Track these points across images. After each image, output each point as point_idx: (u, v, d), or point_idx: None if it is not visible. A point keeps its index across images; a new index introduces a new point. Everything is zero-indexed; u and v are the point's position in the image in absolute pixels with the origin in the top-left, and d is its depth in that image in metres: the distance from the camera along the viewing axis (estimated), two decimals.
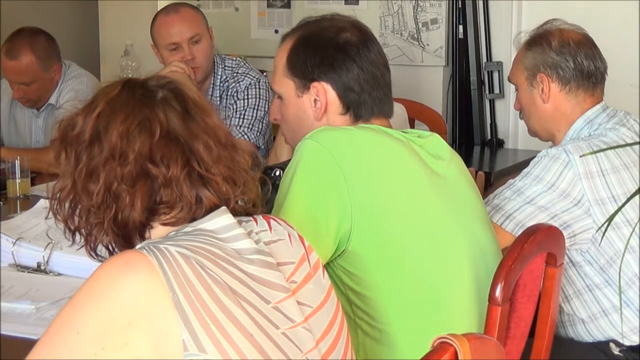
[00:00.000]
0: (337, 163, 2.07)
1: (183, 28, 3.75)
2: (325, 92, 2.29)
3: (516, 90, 2.95)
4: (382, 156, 2.16)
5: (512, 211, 2.64)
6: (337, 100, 2.30)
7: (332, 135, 2.14)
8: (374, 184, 2.10)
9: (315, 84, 2.30)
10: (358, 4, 4.98)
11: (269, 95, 3.79)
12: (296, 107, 2.34)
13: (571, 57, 2.84)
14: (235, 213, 1.68)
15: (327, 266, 2.08)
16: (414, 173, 2.18)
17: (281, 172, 2.30)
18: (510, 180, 2.74)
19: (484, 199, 2.65)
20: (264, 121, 3.82)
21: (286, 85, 2.34)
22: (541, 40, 2.88)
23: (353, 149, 2.13)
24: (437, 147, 2.30)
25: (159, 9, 4.33)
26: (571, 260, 2.74)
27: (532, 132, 2.98)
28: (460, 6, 4.83)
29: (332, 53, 2.29)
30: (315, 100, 2.30)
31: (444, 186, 2.23)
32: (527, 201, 2.64)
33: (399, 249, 2.10)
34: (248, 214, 1.74)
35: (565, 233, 2.58)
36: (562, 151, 2.66)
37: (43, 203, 2.85)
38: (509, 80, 3.00)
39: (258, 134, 3.79)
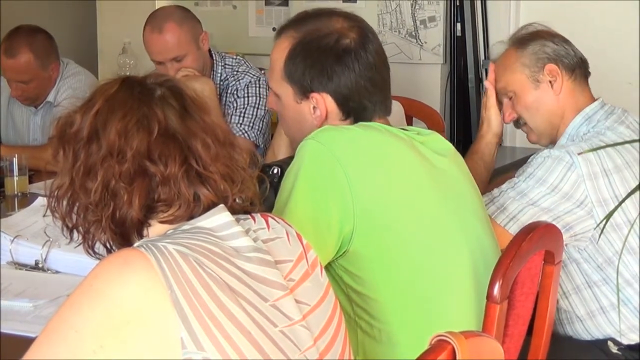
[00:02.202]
0: (339, 164, 2.07)
1: (164, 49, 3.73)
2: (324, 101, 2.28)
3: (510, 98, 2.92)
4: (384, 155, 2.15)
5: (516, 212, 2.64)
6: (336, 108, 2.28)
7: (334, 135, 2.14)
8: (375, 183, 2.10)
9: (314, 94, 2.28)
10: (356, 2, 4.98)
11: (268, 93, 3.79)
12: (295, 111, 2.33)
13: (569, 47, 2.86)
14: (233, 211, 1.68)
15: (329, 266, 2.08)
16: (416, 171, 2.18)
17: (279, 170, 2.30)
18: (514, 179, 2.73)
19: (484, 194, 2.65)
20: (265, 120, 3.82)
21: (284, 89, 2.32)
22: (533, 37, 2.88)
23: (355, 149, 2.13)
24: (439, 145, 2.30)
25: (156, 7, 4.33)
26: (570, 257, 2.74)
27: (536, 136, 2.94)
28: (458, 4, 4.83)
29: (331, 64, 2.26)
30: (314, 108, 2.29)
31: (445, 184, 2.23)
32: (530, 203, 2.64)
33: (401, 249, 2.10)
34: (246, 212, 1.74)
35: (567, 234, 2.59)
36: (565, 153, 2.65)
37: (41, 201, 2.84)
38: (501, 92, 2.94)
39: (258, 132, 3.78)
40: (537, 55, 2.85)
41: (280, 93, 2.34)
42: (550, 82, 2.84)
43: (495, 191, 2.74)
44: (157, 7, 4.29)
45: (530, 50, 2.86)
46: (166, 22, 3.75)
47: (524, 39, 2.89)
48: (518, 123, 2.98)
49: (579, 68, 2.86)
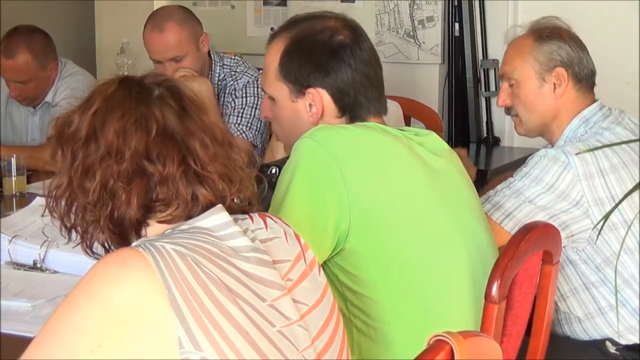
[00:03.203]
0: (335, 162, 2.07)
1: (164, 49, 3.73)
2: (320, 97, 2.28)
3: (511, 84, 2.90)
4: (380, 154, 2.16)
5: (512, 210, 2.64)
6: (332, 104, 2.28)
7: (330, 133, 2.14)
8: (372, 182, 2.10)
9: (310, 90, 2.28)
10: (354, 2, 4.98)
11: (262, 101, 3.79)
12: (290, 111, 2.33)
13: (584, 56, 2.84)
14: (231, 211, 1.68)
15: (324, 264, 2.08)
16: (412, 170, 2.18)
17: (277, 169, 2.30)
18: (510, 179, 2.73)
19: (481, 195, 2.65)
20: (262, 120, 3.81)
21: (279, 89, 2.32)
22: (554, 34, 2.85)
23: (351, 147, 2.13)
24: (436, 145, 2.30)
25: (155, 8, 4.33)
26: (567, 258, 2.74)
27: (526, 129, 2.93)
28: (456, 4, 4.83)
29: (326, 58, 2.27)
30: (310, 105, 2.29)
31: (442, 183, 2.23)
32: (526, 201, 2.64)
33: (397, 247, 2.10)
34: (244, 212, 1.74)
35: (564, 233, 2.58)
36: (561, 152, 2.65)
37: (39, 201, 2.84)
38: (504, 73, 2.92)
39: (256, 132, 3.79)
40: (551, 54, 2.82)
41: (275, 94, 2.34)
42: (554, 84, 2.83)
43: (491, 192, 2.74)
44: (155, 7, 4.29)
45: (546, 47, 2.83)
46: (167, 21, 3.75)
47: (544, 33, 2.85)
48: (509, 111, 2.95)
49: (586, 79, 2.85)
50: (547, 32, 2.86)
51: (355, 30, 2.32)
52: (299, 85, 2.28)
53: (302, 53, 2.28)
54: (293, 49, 2.29)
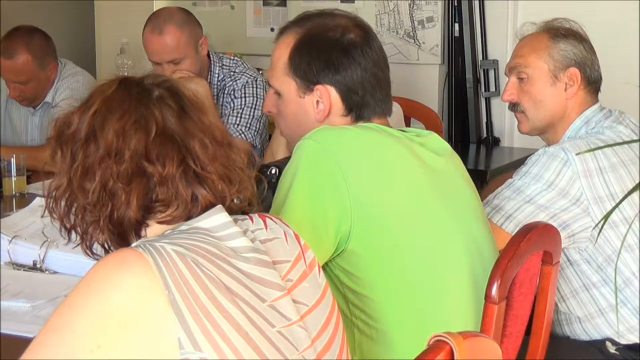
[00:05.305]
0: (336, 163, 2.06)
1: (162, 51, 3.73)
2: (329, 94, 2.27)
3: (520, 78, 2.89)
4: (381, 155, 2.15)
5: (512, 211, 2.63)
6: (340, 102, 2.28)
7: (331, 135, 2.13)
8: (373, 184, 2.10)
9: (319, 86, 2.27)
10: (354, 2, 4.98)
11: (265, 94, 3.79)
12: (297, 106, 2.32)
13: (595, 60, 2.85)
14: (230, 211, 1.68)
15: (326, 265, 2.08)
16: (413, 172, 2.17)
17: (277, 170, 2.30)
18: (509, 180, 2.73)
19: (482, 198, 2.64)
20: (262, 120, 3.81)
21: (287, 84, 2.31)
22: (569, 34, 2.85)
23: (353, 149, 2.12)
24: (437, 145, 2.30)
25: (154, 8, 4.33)
26: (569, 259, 2.73)
27: (528, 128, 2.93)
28: (456, 4, 4.84)
29: (337, 56, 2.26)
30: (317, 102, 2.29)
31: (442, 183, 2.23)
32: (526, 200, 2.64)
33: (398, 249, 2.10)
34: (244, 213, 1.74)
35: (564, 233, 2.58)
36: (560, 149, 2.65)
37: (39, 201, 2.84)
38: (516, 67, 2.89)
39: (255, 133, 3.78)
40: (566, 53, 2.82)
41: (282, 89, 2.32)
42: (566, 84, 2.82)
43: (490, 195, 2.74)
44: (155, 8, 4.29)
45: (562, 45, 2.83)
46: (167, 24, 3.74)
47: (560, 32, 2.85)
48: (515, 107, 2.94)
49: (594, 83, 2.86)
50: (562, 31, 2.86)
51: (366, 31, 2.31)
52: (308, 81, 2.28)
53: (312, 49, 2.27)
54: (304, 44, 2.28)
